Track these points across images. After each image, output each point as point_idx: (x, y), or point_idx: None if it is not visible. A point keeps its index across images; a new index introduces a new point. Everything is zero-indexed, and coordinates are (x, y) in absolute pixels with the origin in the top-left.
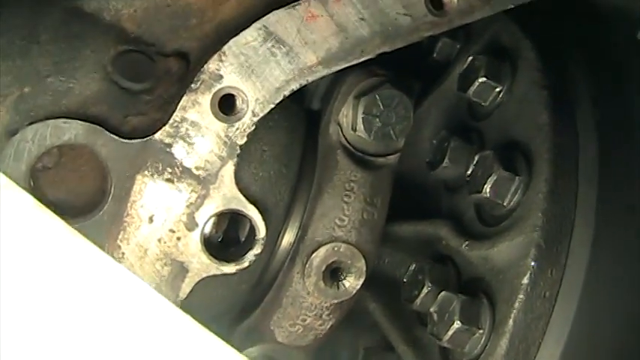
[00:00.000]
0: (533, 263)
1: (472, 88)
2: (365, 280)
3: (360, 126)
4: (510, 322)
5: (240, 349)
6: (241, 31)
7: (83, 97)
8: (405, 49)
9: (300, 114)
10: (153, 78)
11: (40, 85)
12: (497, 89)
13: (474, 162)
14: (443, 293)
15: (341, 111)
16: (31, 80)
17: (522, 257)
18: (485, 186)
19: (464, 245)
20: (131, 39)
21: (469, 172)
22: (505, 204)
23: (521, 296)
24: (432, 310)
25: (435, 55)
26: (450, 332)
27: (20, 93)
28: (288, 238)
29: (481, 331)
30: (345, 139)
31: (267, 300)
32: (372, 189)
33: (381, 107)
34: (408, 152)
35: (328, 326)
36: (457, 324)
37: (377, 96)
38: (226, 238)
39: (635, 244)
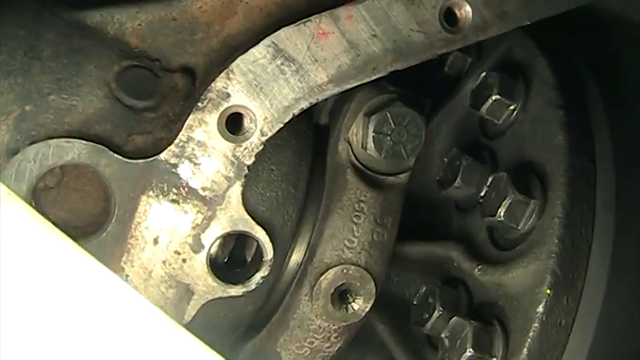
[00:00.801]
0: (548, 291)
1: (485, 106)
2: (374, 302)
3: (371, 144)
4: (524, 351)
5: None
6: (249, 47)
7: (86, 115)
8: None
9: (309, 130)
10: (158, 95)
11: (41, 103)
12: (511, 107)
13: (488, 183)
14: (455, 318)
15: (351, 128)
16: (33, 98)
17: (537, 284)
18: (500, 209)
19: (476, 270)
20: (135, 54)
21: (482, 194)
22: (519, 228)
23: (535, 325)
24: (443, 335)
25: (446, 68)
26: None
27: (21, 111)
28: (295, 258)
29: None
30: (355, 157)
31: (274, 321)
32: (382, 209)
33: (392, 125)
34: (418, 169)
35: (336, 348)
36: (469, 352)
37: (388, 114)
38: (232, 258)
39: None
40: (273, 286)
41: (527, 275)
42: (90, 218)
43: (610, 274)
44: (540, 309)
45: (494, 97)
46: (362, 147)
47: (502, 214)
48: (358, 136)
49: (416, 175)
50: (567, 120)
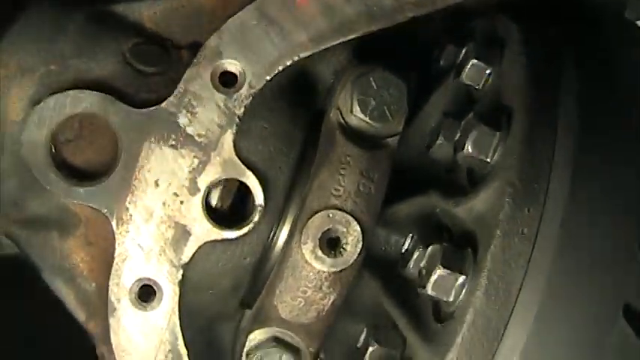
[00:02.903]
0: (507, 199)
1: (464, 72)
2: (364, 259)
3: (357, 107)
4: (488, 258)
5: (247, 333)
6: None
7: (101, 74)
8: (415, 55)
9: (304, 106)
10: (165, 64)
11: (64, 65)
12: (487, 71)
13: (460, 128)
14: (431, 247)
15: (340, 97)
16: (57, 61)
17: (499, 197)
18: (467, 142)
19: (452, 202)
20: (149, 34)
21: (456, 138)
22: (488, 159)
23: (497, 232)
24: (421, 265)
25: (441, 62)
26: (433, 278)
27: (46, 69)
28: (290, 217)
29: (464, 277)
30: (345, 121)
31: (271, 277)
32: (368, 163)
33: (375, 87)
34: (410, 149)
35: (330, 301)
36: (439, 269)
37: (371, 78)
38: (233, 212)
39: (614, 183)
40: (270, 245)
41: (491, 193)
42: (102, 168)
43: (572, 185)
44: (501, 216)
45: (472, 62)
46: (350, 111)
47: (469, 146)
48: (346, 102)
49: (408, 156)
50: (530, 62)
